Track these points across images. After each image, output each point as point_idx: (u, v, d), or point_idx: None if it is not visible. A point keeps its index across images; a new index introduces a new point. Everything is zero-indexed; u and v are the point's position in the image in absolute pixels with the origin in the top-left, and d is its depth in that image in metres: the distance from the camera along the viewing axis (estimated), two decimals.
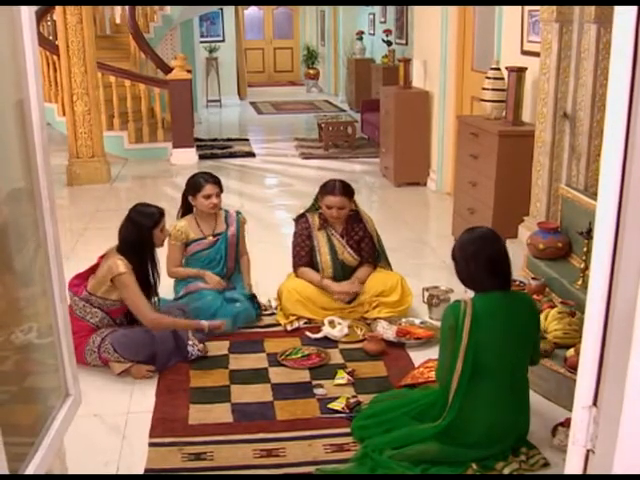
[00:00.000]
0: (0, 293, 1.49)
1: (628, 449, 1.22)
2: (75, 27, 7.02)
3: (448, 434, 2.62)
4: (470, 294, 2.72)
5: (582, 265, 3.60)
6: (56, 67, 8.17)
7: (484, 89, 5.02)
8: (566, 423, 2.71)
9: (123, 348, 3.38)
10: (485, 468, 2.61)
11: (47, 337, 1.68)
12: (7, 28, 1.49)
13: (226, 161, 8.81)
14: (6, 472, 1.27)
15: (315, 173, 8.16)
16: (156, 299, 3.67)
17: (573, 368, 2.91)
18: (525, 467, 2.64)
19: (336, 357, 3.60)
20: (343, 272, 4.07)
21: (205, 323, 3.67)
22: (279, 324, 3.95)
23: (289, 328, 3.89)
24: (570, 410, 1.46)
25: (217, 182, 4.08)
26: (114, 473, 2.69)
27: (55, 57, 7.97)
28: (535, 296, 3.55)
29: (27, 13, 1.51)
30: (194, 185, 4.06)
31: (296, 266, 4.06)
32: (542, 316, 3.30)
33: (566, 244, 3.95)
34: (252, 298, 4.04)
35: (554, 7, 4.08)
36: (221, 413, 3.08)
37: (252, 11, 18.17)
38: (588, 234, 3.51)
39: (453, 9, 6.37)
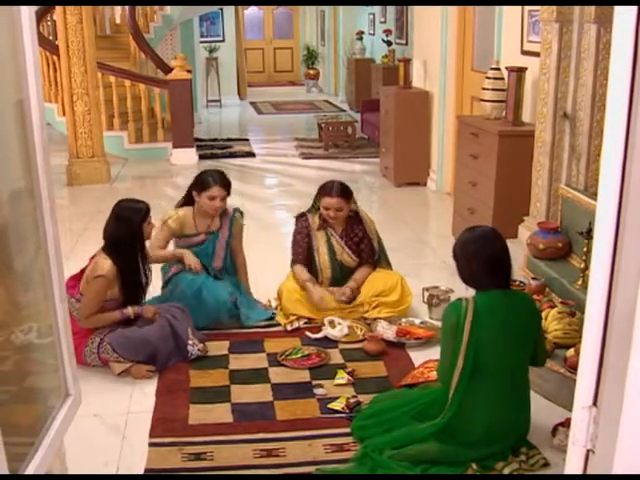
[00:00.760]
0: (0, 294, 1.49)
1: (628, 449, 1.22)
2: (75, 27, 7.02)
3: (448, 433, 2.62)
4: (471, 292, 2.72)
5: (582, 265, 3.60)
6: (56, 67, 8.17)
7: (484, 89, 5.02)
8: (566, 423, 2.71)
9: (122, 348, 3.38)
10: (485, 468, 2.61)
11: (47, 337, 1.68)
12: (7, 28, 1.49)
13: (226, 161, 8.81)
14: (6, 472, 1.27)
15: (315, 173, 8.16)
16: (144, 300, 3.66)
17: (573, 368, 2.91)
18: (525, 467, 2.64)
19: (336, 357, 3.59)
20: (342, 273, 4.07)
21: (129, 310, 3.49)
22: (279, 324, 3.95)
23: (289, 328, 3.88)
24: (570, 410, 1.46)
25: (226, 185, 3.98)
26: (114, 473, 2.69)
27: (55, 57, 7.97)
28: (535, 296, 3.54)
29: (27, 13, 1.51)
30: (202, 182, 3.97)
31: (292, 262, 4.07)
32: (542, 316, 3.30)
33: (566, 244, 3.95)
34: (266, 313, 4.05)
35: (554, 7, 4.08)
36: (221, 413, 3.08)
37: (252, 11, 18.17)
38: (588, 234, 3.51)
39: (453, 9, 6.37)
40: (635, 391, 1.19)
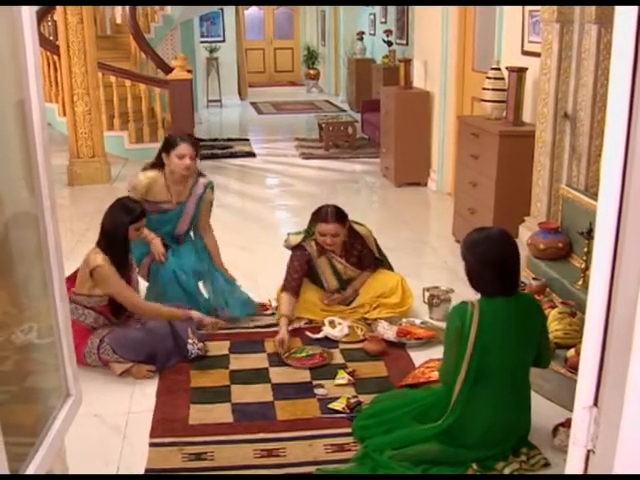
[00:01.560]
0: (0, 294, 1.50)
1: (629, 449, 1.22)
2: (76, 27, 7.02)
3: (448, 434, 2.62)
4: (477, 295, 2.69)
5: (583, 265, 3.60)
6: (57, 67, 8.17)
7: (484, 89, 5.02)
8: (567, 423, 2.70)
9: (122, 348, 3.38)
10: (485, 468, 2.61)
11: (47, 337, 1.68)
12: (8, 28, 1.49)
13: (226, 161, 8.81)
14: (6, 472, 1.27)
15: (315, 173, 8.16)
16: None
17: (574, 368, 2.91)
18: (526, 467, 2.64)
19: (337, 357, 3.60)
20: (347, 284, 4.09)
21: (196, 314, 3.62)
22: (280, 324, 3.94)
23: (290, 328, 3.88)
24: (571, 410, 1.46)
25: (194, 144, 3.93)
26: (115, 473, 2.69)
27: (56, 57, 7.97)
28: (536, 296, 3.54)
29: (28, 13, 1.51)
30: (169, 142, 3.92)
31: (283, 288, 3.95)
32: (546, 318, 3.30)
33: (567, 244, 3.95)
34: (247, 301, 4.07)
35: (555, 7, 4.08)
36: (221, 413, 3.08)
37: (252, 11, 18.17)
38: (589, 234, 3.51)
39: (454, 10, 6.37)
40: (636, 391, 1.19)
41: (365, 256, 4.05)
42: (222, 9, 14.71)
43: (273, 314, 4.06)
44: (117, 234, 3.44)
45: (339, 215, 3.87)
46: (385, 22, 11.69)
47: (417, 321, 3.93)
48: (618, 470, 1.24)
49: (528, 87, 4.77)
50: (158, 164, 3.97)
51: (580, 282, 3.58)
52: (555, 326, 3.27)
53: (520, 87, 4.64)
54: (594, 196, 3.68)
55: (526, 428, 2.75)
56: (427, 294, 4.10)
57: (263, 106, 14.36)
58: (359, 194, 7.43)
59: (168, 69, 8.72)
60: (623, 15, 1.18)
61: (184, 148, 3.86)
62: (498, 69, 4.96)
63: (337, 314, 3.95)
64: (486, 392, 2.60)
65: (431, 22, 6.84)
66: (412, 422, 2.75)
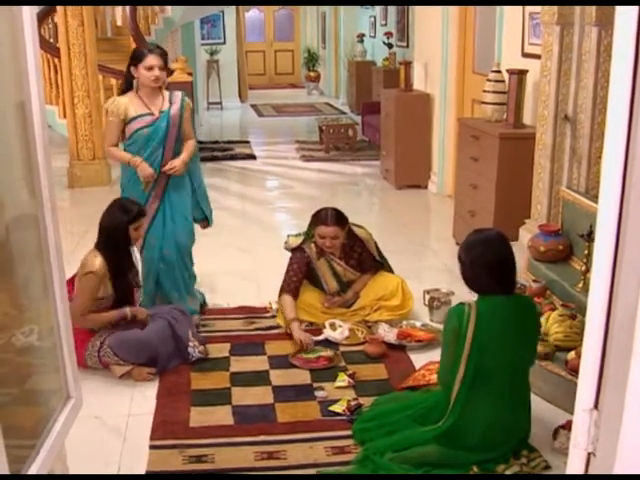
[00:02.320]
0: (1, 296, 1.49)
1: (629, 452, 1.22)
2: (76, 29, 7.03)
3: (448, 436, 2.62)
4: (474, 296, 2.71)
5: (583, 268, 3.60)
6: (57, 69, 8.16)
7: (485, 92, 5.02)
8: (567, 426, 2.70)
9: (122, 351, 3.38)
10: (486, 471, 2.61)
11: (48, 339, 1.68)
12: (8, 29, 1.49)
13: (227, 163, 8.81)
14: (7, 472, 1.27)
15: (316, 175, 8.17)
16: (140, 299, 3.69)
17: (574, 371, 2.91)
18: (526, 470, 2.63)
19: (337, 360, 3.59)
20: (347, 286, 4.08)
21: (127, 310, 3.48)
22: (280, 326, 3.95)
23: (290, 331, 3.88)
24: (571, 413, 1.46)
25: (162, 55, 3.88)
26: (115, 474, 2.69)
27: (56, 59, 7.96)
28: (536, 299, 3.54)
29: (28, 14, 1.51)
30: (136, 54, 3.84)
31: (282, 290, 3.95)
32: (543, 319, 3.29)
33: (567, 247, 3.95)
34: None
35: (555, 10, 4.08)
36: (222, 415, 3.08)
37: (253, 13, 18.19)
38: (589, 237, 3.50)
39: (454, 12, 6.37)
40: (636, 394, 1.19)
41: (365, 259, 4.05)
42: (222, 12, 14.72)
43: (273, 316, 4.06)
44: (115, 234, 3.44)
45: (339, 218, 3.89)
46: (385, 24, 11.70)
47: (418, 323, 3.93)
48: (618, 473, 1.24)
49: (528, 89, 4.77)
50: (128, 89, 3.91)
51: (580, 284, 3.58)
52: (555, 329, 3.27)
53: (520, 89, 4.64)
54: (594, 198, 3.68)
55: (526, 429, 2.75)
56: (427, 296, 4.10)
57: (263, 108, 14.37)
58: (359, 196, 7.43)
59: (168, 71, 8.70)
60: (623, 15, 1.18)
61: (152, 59, 3.79)
62: (498, 71, 4.97)
63: (338, 317, 3.94)
64: (485, 392, 2.60)
65: (431, 24, 6.84)
66: (413, 424, 2.75)
